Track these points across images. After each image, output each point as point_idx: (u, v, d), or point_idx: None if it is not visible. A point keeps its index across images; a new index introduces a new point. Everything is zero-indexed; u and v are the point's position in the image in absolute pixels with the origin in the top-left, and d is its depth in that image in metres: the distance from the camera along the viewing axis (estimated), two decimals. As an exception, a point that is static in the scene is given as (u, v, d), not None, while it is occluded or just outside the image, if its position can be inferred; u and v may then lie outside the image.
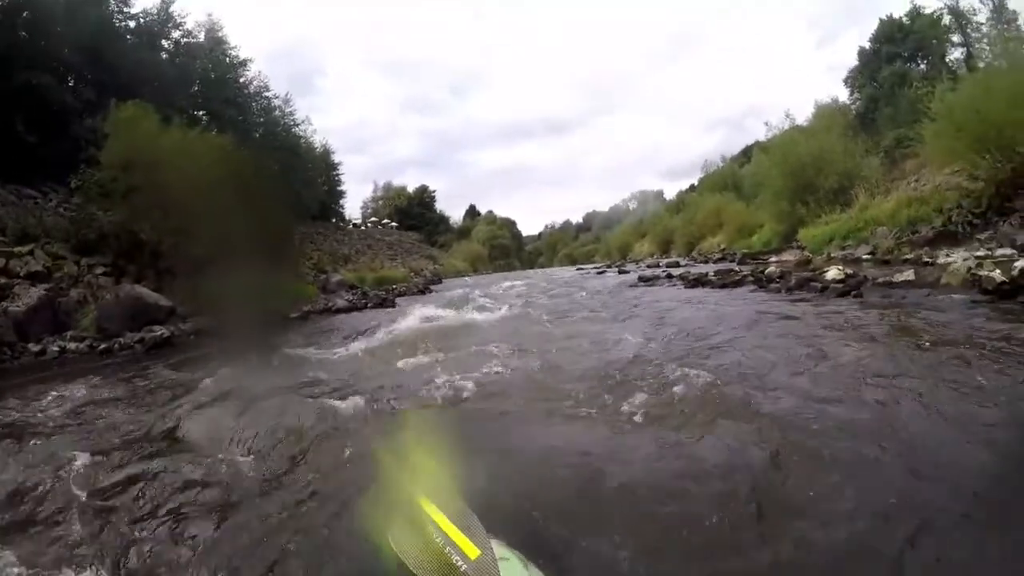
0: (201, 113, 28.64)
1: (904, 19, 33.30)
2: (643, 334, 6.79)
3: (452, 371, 5.53)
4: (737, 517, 2.46)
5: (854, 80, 35.69)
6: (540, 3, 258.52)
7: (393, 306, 17.78)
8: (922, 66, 31.86)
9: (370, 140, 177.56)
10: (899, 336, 5.26)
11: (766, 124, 34.64)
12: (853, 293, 8.47)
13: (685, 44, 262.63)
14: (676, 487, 2.77)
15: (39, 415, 5.56)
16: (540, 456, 3.33)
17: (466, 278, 44.04)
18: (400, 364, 6.42)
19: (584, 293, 15.06)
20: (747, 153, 48.38)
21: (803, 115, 31.33)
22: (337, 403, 4.77)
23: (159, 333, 11.93)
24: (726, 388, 4.16)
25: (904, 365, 4.23)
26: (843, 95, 35.82)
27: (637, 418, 3.78)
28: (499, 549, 1.62)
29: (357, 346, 8.48)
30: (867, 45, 35.04)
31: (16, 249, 13.88)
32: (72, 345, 11.39)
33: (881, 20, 34.34)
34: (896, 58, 32.24)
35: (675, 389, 4.27)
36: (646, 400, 4.10)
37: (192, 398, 5.58)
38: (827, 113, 28.61)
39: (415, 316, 10.06)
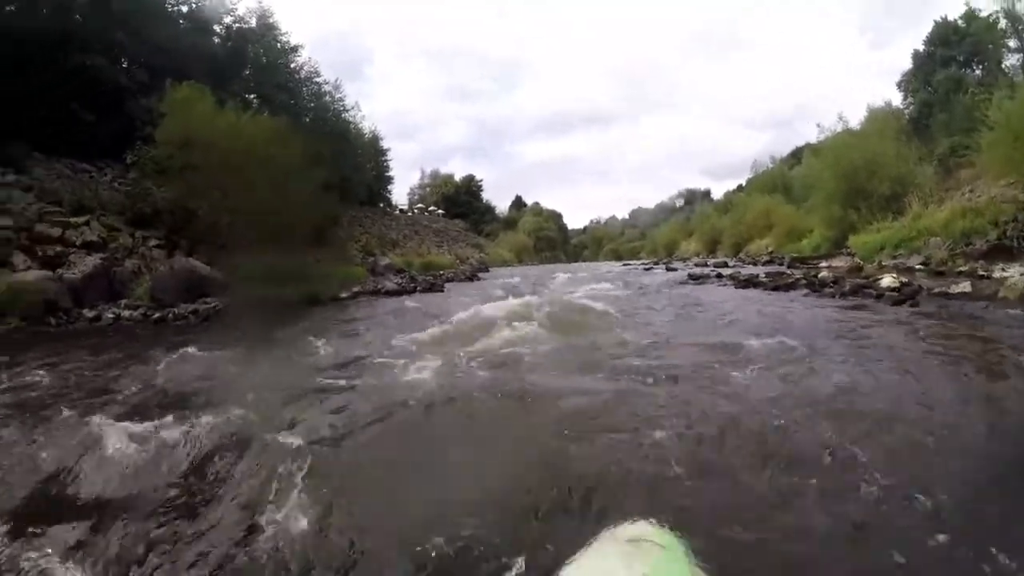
0: (253, 97, 29.00)
1: (959, 22, 31.98)
2: (718, 338, 6.49)
3: (544, 379, 5.03)
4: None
5: (908, 84, 34.40)
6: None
7: (442, 291, 18.11)
8: (977, 72, 30.83)
9: (417, 127, 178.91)
10: (991, 354, 5.06)
11: (818, 126, 33.62)
12: (909, 302, 8.28)
13: (734, 42, 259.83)
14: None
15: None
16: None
17: (512, 268, 44.08)
18: (456, 360, 5.97)
19: (636, 289, 14.82)
20: (797, 155, 47.43)
21: (856, 118, 30.37)
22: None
23: (212, 305, 12.25)
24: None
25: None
26: (896, 99, 34.52)
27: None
28: (659, 535, 1.57)
29: (425, 331, 8.29)
30: (921, 48, 33.82)
31: (72, 220, 14.33)
32: (126, 313, 11.77)
33: (936, 22, 33.12)
34: (951, 62, 31.09)
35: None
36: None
37: (204, 379, 5.61)
38: (880, 117, 27.75)
39: (469, 304, 9.84)
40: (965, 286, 8.79)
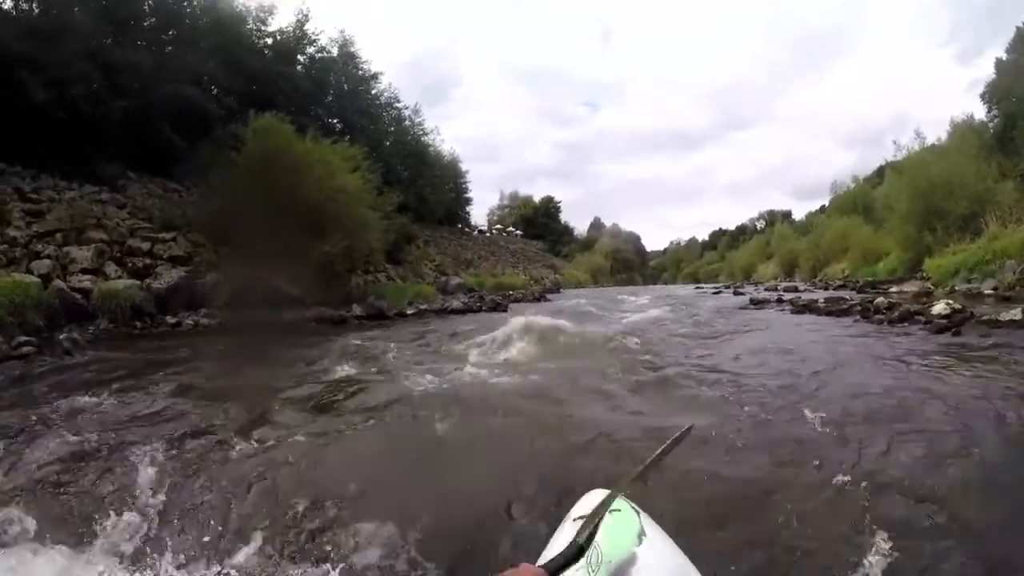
0: (335, 122, 30.54)
1: (1043, 27, 29.36)
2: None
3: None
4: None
5: (991, 95, 31.55)
6: (672, 21, 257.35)
7: (505, 311, 18.18)
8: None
9: (501, 149, 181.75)
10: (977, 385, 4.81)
11: (894, 143, 31.91)
12: (952, 331, 7.97)
13: (823, 60, 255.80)
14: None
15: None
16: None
17: (583, 290, 44.07)
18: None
19: (687, 314, 14.82)
20: (881, 173, 45.66)
21: (939, 134, 28.90)
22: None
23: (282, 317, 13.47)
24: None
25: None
26: (981, 112, 31.81)
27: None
28: (609, 500, 1.68)
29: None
30: (1004, 56, 31.23)
31: (161, 235, 15.54)
32: (204, 320, 12.92)
33: (1018, 28, 30.37)
34: None
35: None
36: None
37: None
38: (960, 132, 26.60)
39: (519, 322, 10.26)
40: (1015, 313, 8.34)
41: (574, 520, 1.74)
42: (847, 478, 2.95)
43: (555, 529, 1.82)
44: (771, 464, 3.27)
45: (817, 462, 3.21)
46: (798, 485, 2.97)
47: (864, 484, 2.88)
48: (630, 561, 1.54)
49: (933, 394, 4.51)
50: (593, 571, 1.44)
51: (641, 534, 1.65)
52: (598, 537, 1.51)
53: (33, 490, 3.13)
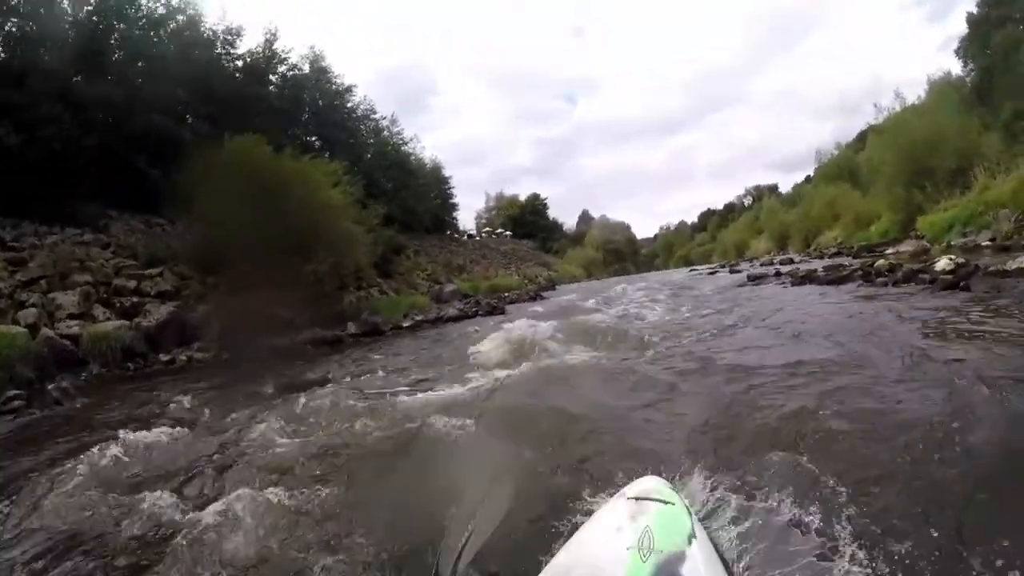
0: (313, 139, 30.51)
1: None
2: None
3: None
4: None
5: (965, 50, 31.45)
6: (644, 8, 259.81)
7: (503, 313, 18.10)
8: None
9: (483, 152, 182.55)
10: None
11: (875, 106, 32.24)
12: (961, 285, 7.79)
13: (796, 35, 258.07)
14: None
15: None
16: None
17: (578, 284, 43.96)
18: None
19: (683, 298, 14.72)
20: (862, 138, 45.55)
21: (916, 94, 29.09)
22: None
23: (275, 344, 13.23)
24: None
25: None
26: (956, 68, 32.04)
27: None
28: (662, 491, 1.78)
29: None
30: (975, 10, 30.84)
31: (147, 271, 15.20)
32: (199, 355, 12.60)
33: None
34: (1007, 22, 28.18)
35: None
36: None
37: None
38: (939, 89, 26.89)
39: (518, 323, 10.02)
40: (1022, 261, 8.29)
41: (627, 499, 1.80)
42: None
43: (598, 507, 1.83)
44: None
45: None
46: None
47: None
48: (679, 558, 1.54)
49: (961, 356, 4.31)
50: (644, 556, 1.50)
51: (692, 536, 1.64)
52: (650, 523, 1.60)
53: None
